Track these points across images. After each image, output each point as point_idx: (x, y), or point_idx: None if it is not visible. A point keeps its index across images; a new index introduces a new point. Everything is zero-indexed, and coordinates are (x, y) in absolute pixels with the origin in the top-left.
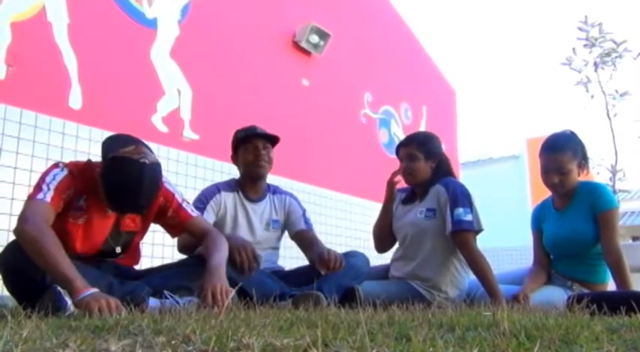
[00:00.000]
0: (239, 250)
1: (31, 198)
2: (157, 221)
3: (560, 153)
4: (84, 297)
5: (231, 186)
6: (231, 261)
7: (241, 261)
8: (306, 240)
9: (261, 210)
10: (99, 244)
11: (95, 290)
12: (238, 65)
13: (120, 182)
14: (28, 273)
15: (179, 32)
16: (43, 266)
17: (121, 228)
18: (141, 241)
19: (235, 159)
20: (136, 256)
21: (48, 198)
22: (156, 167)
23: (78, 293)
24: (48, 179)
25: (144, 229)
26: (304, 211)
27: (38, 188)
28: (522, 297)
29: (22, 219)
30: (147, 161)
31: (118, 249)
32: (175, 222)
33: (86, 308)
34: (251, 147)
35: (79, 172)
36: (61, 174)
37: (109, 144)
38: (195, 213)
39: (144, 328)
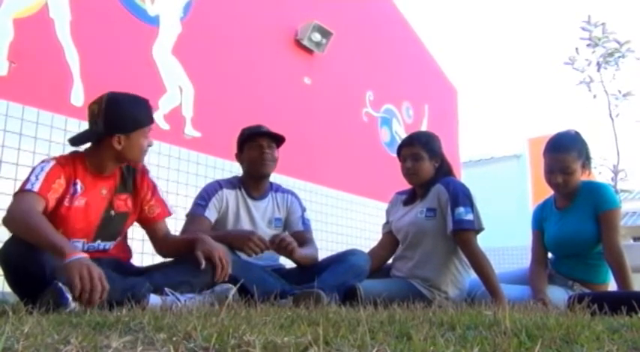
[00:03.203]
0: (247, 241)
1: (20, 190)
2: (141, 208)
3: (565, 153)
4: (69, 261)
5: (234, 183)
6: (238, 249)
7: (250, 248)
8: (301, 241)
9: (263, 208)
10: (96, 224)
11: (83, 255)
12: (240, 63)
13: (127, 103)
14: (29, 268)
15: (181, 29)
16: (33, 240)
17: (114, 208)
18: (131, 226)
19: (239, 157)
20: (127, 251)
21: (35, 188)
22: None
23: (66, 257)
24: (36, 171)
25: (135, 212)
26: (304, 211)
27: (27, 181)
28: (546, 301)
29: (9, 209)
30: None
31: (104, 222)
32: (154, 214)
33: (68, 273)
34: (256, 146)
35: (66, 161)
36: (49, 165)
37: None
38: (172, 211)
39: (145, 325)
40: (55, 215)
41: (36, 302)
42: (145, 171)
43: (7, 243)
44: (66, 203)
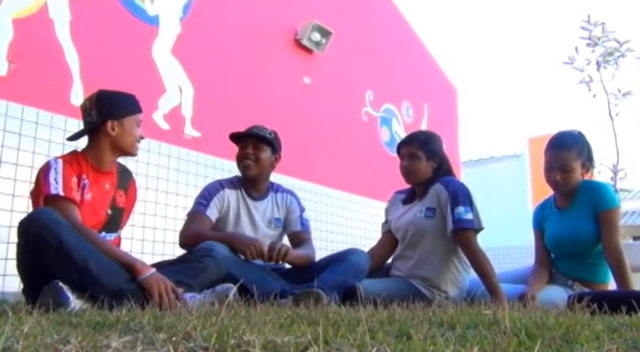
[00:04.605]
0: (250, 245)
1: (48, 195)
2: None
3: (564, 150)
4: (146, 277)
5: (234, 183)
6: (239, 251)
7: (251, 254)
8: (299, 242)
9: (263, 208)
10: (104, 215)
11: (153, 270)
12: (240, 63)
13: (117, 93)
14: (46, 239)
15: (181, 29)
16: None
17: (115, 203)
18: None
19: None
20: (119, 245)
21: (62, 192)
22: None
23: (140, 273)
24: (52, 174)
25: (128, 208)
26: (302, 211)
27: (48, 185)
28: (530, 298)
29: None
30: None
31: (109, 213)
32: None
33: (148, 289)
34: (239, 147)
35: (70, 158)
36: (59, 165)
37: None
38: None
39: (144, 325)
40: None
41: (44, 281)
42: (135, 184)
43: (31, 215)
44: (84, 196)
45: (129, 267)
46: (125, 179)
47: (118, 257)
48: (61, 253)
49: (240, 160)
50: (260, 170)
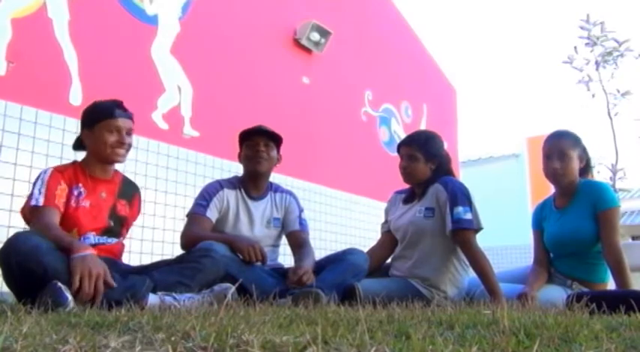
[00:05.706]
0: (249, 246)
1: (29, 207)
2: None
3: (561, 138)
4: (77, 257)
5: (234, 183)
6: (238, 251)
7: (249, 255)
8: (297, 241)
9: (262, 208)
10: (105, 220)
11: (89, 252)
12: (239, 62)
13: (98, 103)
14: (29, 267)
15: (180, 29)
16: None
17: (116, 211)
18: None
19: (240, 157)
20: (121, 251)
21: (40, 202)
22: None
23: (74, 253)
24: (38, 185)
25: (131, 218)
26: (301, 211)
27: (31, 196)
28: (530, 298)
29: (32, 226)
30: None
31: (111, 223)
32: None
33: (72, 270)
34: (251, 144)
35: (64, 167)
36: (46, 175)
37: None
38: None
39: (143, 325)
40: (66, 215)
41: (34, 301)
42: (140, 197)
43: (8, 242)
44: (72, 204)
45: (66, 248)
46: (130, 191)
47: (59, 240)
48: (46, 278)
49: (252, 155)
50: (269, 167)
